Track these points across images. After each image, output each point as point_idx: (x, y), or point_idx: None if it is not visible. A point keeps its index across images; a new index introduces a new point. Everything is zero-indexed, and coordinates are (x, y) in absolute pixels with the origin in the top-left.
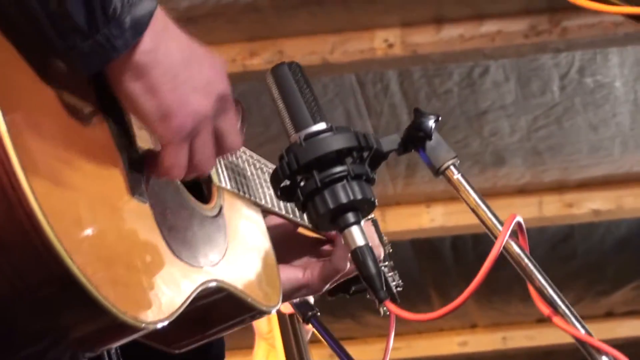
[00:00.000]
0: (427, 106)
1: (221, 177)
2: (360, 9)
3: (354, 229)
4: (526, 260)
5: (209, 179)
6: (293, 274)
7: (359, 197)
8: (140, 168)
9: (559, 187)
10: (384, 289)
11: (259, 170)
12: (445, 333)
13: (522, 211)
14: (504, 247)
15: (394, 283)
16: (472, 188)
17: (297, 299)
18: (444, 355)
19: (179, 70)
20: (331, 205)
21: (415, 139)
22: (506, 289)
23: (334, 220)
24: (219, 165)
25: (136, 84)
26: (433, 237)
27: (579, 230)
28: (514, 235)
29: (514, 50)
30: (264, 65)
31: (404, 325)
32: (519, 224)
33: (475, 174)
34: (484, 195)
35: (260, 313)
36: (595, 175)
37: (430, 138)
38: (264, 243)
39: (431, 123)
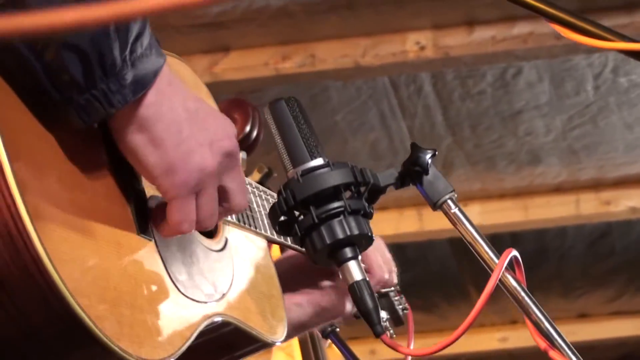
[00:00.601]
0: (461, 107)
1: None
2: (390, 13)
3: (352, 264)
4: (523, 294)
5: None
6: (314, 299)
7: (356, 232)
8: (146, 208)
9: (596, 185)
10: (381, 323)
11: (265, 201)
12: (486, 329)
13: (559, 209)
14: (501, 281)
15: (401, 306)
16: (469, 222)
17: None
18: (484, 352)
19: (183, 125)
20: (328, 241)
21: (412, 173)
22: (546, 285)
23: (332, 255)
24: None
25: (139, 137)
26: None
27: (616, 227)
28: (511, 269)
29: (546, 51)
30: (296, 69)
31: (445, 321)
32: (515, 257)
33: (511, 172)
34: (520, 193)
35: (265, 345)
36: (632, 173)
37: (427, 173)
38: (269, 275)
39: (427, 158)
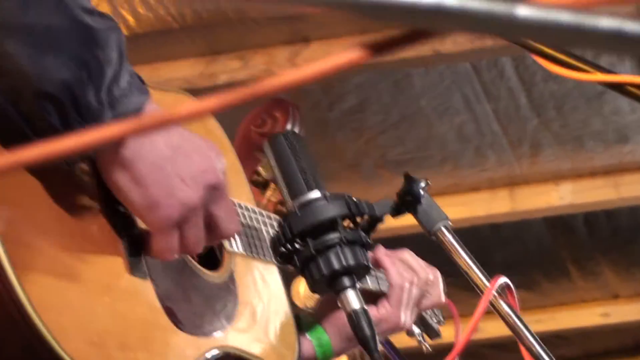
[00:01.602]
0: (544, 88)
1: (232, 242)
2: None
3: (349, 293)
4: (514, 318)
5: (220, 245)
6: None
7: (352, 263)
8: (141, 247)
9: None
10: (378, 350)
11: (274, 229)
12: (588, 304)
13: None
14: (495, 307)
15: (435, 319)
16: (463, 248)
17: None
18: (586, 327)
19: (164, 163)
20: (325, 272)
21: (406, 203)
22: None
23: (330, 284)
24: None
25: (122, 175)
26: (564, 214)
27: None
28: (504, 294)
29: None
30: (377, 58)
31: (547, 298)
32: (507, 284)
33: (600, 152)
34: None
35: None
36: None
37: (420, 202)
38: (280, 302)
39: (420, 188)
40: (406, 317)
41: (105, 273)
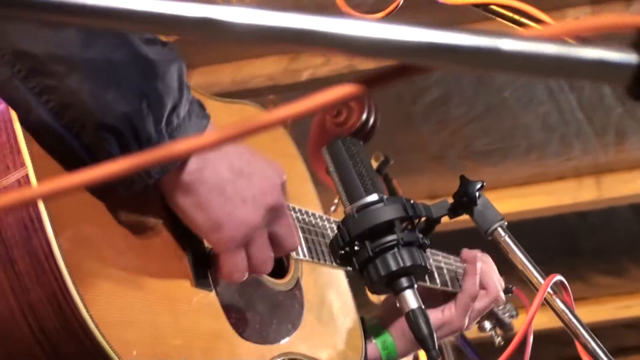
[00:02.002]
0: None
1: (298, 250)
2: None
3: (407, 293)
4: (570, 316)
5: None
6: (433, 314)
7: (409, 264)
8: (206, 261)
9: None
10: (436, 348)
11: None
12: None
13: None
14: (550, 304)
15: (507, 314)
16: (519, 247)
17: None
18: None
19: (226, 186)
20: (382, 273)
21: (462, 204)
22: None
23: (389, 285)
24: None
25: (185, 200)
26: None
27: None
28: (559, 292)
29: None
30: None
31: (636, 284)
32: (561, 281)
33: None
34: None
35: None
36: None
37: (475, 203)
38: (346, 306)
39: (476, 189)
40: (469, 323)
41: (170, 287)
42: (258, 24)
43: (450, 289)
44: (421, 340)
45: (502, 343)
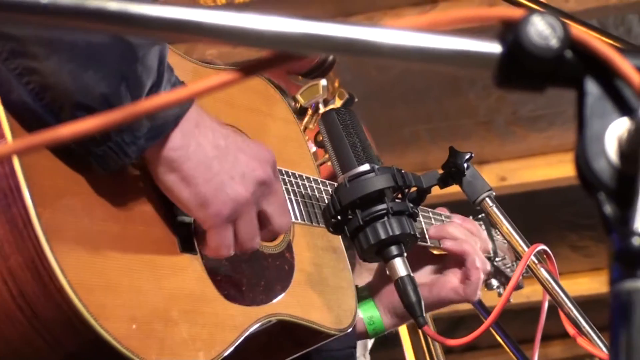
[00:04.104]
0: None
1: (291, 213)
2: None
3: (397, 261)
4: (554, 284)
5: None
6: (433, 287)
7: (398, 232)
8: (191, 227)
9: None
10: (423, 315)
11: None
12: None
13: None
14: (534, 273)
15: (509, 266)
16: (505, 217)
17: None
18: None
19: (212, 162)
20: (372, 241)
21: (452, 174)
22: None
23: (379, 253)
24: (287, 202)
25: (171, 176)
26: None
27: None
28: (544, 262)
29: None
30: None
31: None
32: (545, 251)
33: None
34: None
35: (329, 336)
36: None
37: (464, 174)
38: (340, 268)
39: (464, 160)
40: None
41: (153, 252)
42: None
43: (428, 244)
44: (409, 306)
45: (510, 301)
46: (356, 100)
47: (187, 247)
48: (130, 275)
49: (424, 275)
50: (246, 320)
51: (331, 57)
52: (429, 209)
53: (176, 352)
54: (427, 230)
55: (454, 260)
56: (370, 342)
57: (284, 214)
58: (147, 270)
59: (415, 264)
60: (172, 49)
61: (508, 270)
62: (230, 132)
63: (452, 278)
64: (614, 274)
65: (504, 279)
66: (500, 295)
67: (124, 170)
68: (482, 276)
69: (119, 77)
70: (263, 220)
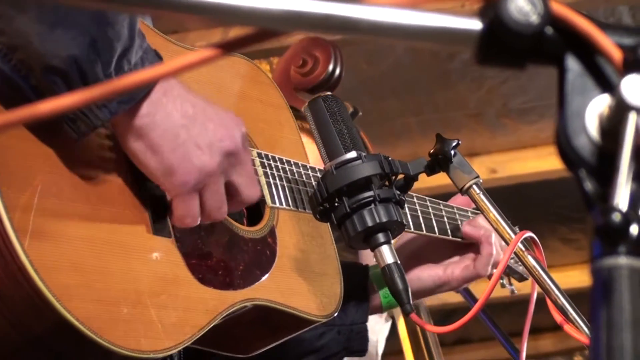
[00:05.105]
0: None
1: (275, 198)
2: None
3: (384, 248)
4: (540, 271)
5: (262, 202)
6: (434, 271)
7: (384, 219)
8: (165, 209)
9: None
10: (410, 302)
11: None
12: None
13: None
14: (522, 260)
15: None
16: (492, 204)
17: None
18: None
19: (179, 130)
20: (359, 228)
21: (439, 162)
22: None
23: (366, 240)
24: (272, 187)
25: (138, 144)
26: None
27: None
28: (531, 249)
29: None
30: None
31: None
32: (532, 238)
33: None
34: None
35: (311, 322)
36: None
37: (451, 161)
38: (325, 254)
39: (451, 147)
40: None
41: (125, 234)
42: None
43: (450, 237)
44: (395, 294)
45: (516, 293)
46: (360, 114)
47: (159, 227)
48: (99, 257)
49: (440, 258)
50: (220, 304)
51: (337, 72)
52: (440, 202)
53: (143, 335)
54: (462, 224)
55: (472, 246)
56: (381, 348)
57: (253, 185)
58: (117, 252)
59: (434, 250)
60: (157, 32)
61: (512, 262)
62: (199, 101)
63: (467, 259)
64: (594, 251)
65: (508, 271)
66: (503, 286)
67: (97, 147)
68: (494, 252)
69: (88, 38)
70: (231, 191)
